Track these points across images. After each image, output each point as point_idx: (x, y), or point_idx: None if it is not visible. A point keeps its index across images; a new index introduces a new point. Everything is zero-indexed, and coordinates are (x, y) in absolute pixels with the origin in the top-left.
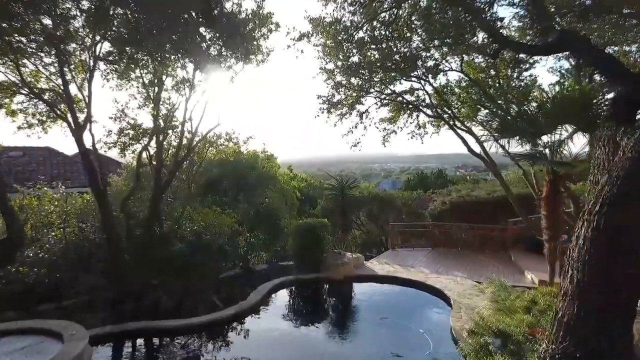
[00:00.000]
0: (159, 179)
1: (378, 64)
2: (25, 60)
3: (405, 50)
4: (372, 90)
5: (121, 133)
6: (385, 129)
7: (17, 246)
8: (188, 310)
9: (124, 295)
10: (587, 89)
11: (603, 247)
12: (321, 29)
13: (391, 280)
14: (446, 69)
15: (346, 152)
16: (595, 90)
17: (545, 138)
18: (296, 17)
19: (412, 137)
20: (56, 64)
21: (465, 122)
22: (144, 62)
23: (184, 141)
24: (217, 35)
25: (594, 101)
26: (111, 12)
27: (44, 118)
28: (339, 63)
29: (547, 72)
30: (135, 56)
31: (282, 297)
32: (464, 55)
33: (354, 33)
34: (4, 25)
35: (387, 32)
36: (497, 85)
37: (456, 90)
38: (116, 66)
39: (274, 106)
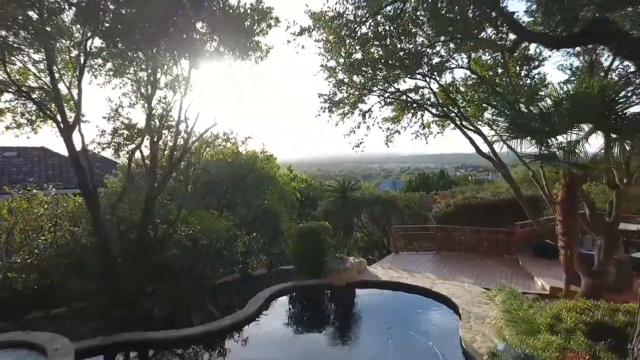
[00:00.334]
0: (152, 180)
1: (382, 61)
2: (12, 58)
3: (410, 46)
4: (375, 88)
5: (115, 133)
6: (388, 128)
7: None
8: (183, 320)
9: (116, 303)
10: (611, 83)
11: None
12: (323, 24)
13: (396, 287)
14: (453, 66)
15: (345, 152)
16: (618, 87)
17: (559, 138)
18: (296, 12)
19: (416, 137)
20: (45, 61)
21: (474, 122)
22: (136, 58)
23: (180, 141)
24: (214, 30)
25: (616, 98)
26: (102, 5)
27: (34, 117)
28: (341, 60)
29: (555, 70)
30: (128, 53)
31: (282, 305)
32: (471, 52)
33: (357, 28)
34: None
35: (392, 28)
36: (506, 83)
37: (461, 89)
38: (108, 63)
39: (273, 105)
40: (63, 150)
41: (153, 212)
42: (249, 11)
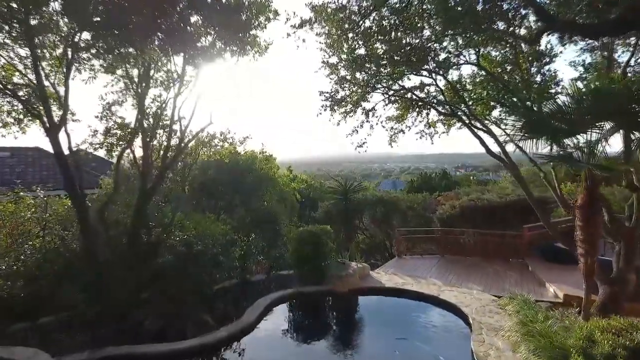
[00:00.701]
0: (144, 182)
1: (386, 57)
2: None
3: (416, 41)
4: (378, 86)
5: (108, 133)
6: (392, 128)
7: None
8: (177, 331)
9: (106, 313)
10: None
11: None
12: (325, 16)
13: (401, 294)
14: (461, 62)
15: (345, 152)
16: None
17: (579, 138)
18: (296, 4)
19: (421, 137)
20: (30, 57)
21: (483, 121)
22: (128, 54)
23: (174, 141)
24: (209, 23)
25: None
26: None
27: (21, 116)
28: (343, 56)
29: (565, 67)
30: (119, 48)
31: (282, 314)
32: (480, 47)
33: (360, 22)
34: None
35: (397, 21)
36: (516, 79)
37: (468, 87)
38: (98, 60)
39: (272, 100)
40: None
41: (146, 215)
42: (246, 3)
